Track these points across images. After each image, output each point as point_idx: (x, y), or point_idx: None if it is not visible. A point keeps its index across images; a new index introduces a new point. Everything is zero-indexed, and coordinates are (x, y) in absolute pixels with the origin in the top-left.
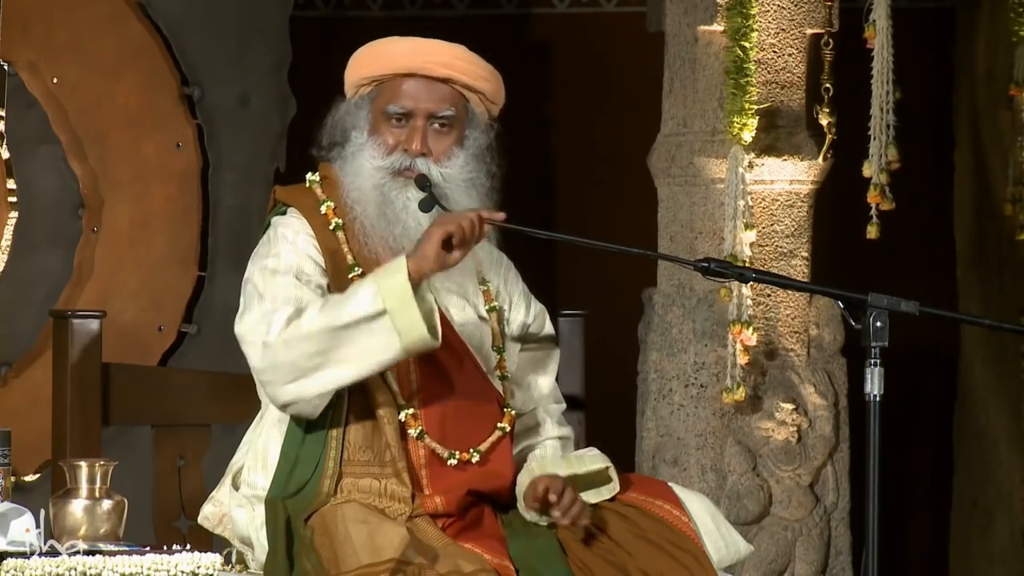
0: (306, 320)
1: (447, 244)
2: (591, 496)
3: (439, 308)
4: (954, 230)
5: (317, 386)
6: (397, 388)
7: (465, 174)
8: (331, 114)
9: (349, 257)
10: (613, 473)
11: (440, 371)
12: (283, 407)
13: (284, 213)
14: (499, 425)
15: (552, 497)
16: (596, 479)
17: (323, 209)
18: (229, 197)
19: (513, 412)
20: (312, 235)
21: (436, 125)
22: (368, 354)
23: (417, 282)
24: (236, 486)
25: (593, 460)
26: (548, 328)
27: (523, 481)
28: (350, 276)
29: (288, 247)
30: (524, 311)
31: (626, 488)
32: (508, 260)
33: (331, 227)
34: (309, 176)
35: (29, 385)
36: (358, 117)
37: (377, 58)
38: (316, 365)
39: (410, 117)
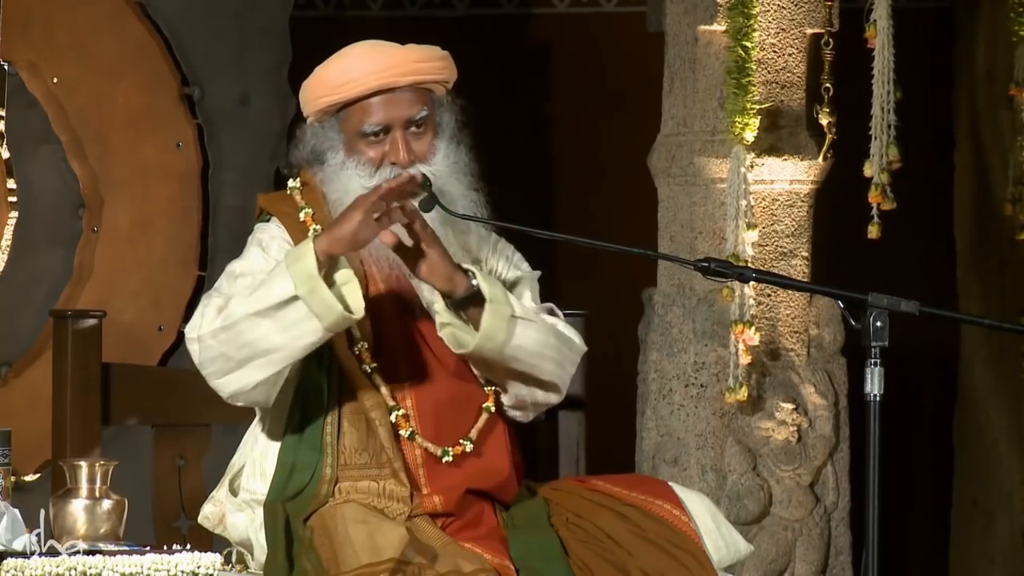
0: (230, 309)
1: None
2: (449, 332)
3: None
4: (954, 230)
5: (253, 375)
6: (386, 390)
7: (450, 162)
8: (297, 137)
9: None
10: (485, 319)
11: (425, 367)
12: (231, 398)
13: (268, 221)
14: (484, 405)
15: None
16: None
17: (302, 216)
18: (229, 197)
19: (495, 388)
20: (289, 242)
21: (413, 128)
22: (293, 339)
23: (327, 261)
24: (234, 491)
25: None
26: (530, 298)
27: None
28: None
29: (258, 251)
30: (499, 268)
31: (626, 488)
32: (498, 236)
33: (310, 234)
34: (290, 183)
35: (29, 385)
36: (328, 139)
37: (339, 85)
38: (247, 356)
39: (387, 130)
